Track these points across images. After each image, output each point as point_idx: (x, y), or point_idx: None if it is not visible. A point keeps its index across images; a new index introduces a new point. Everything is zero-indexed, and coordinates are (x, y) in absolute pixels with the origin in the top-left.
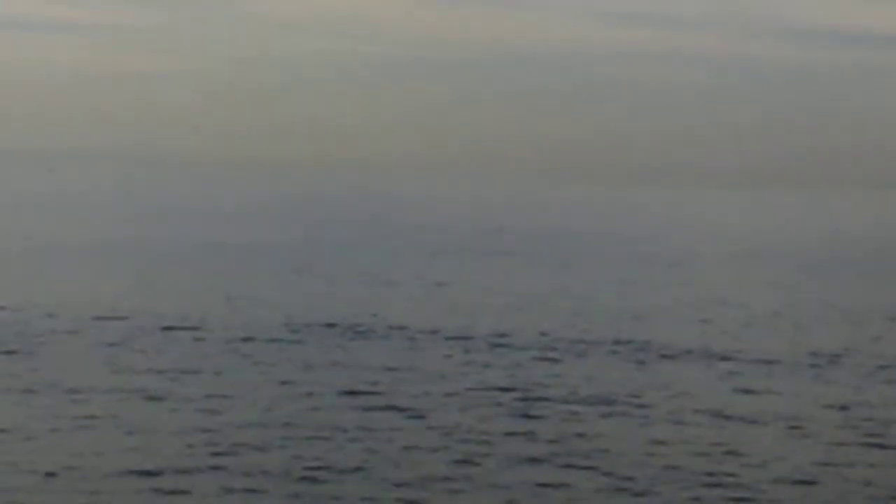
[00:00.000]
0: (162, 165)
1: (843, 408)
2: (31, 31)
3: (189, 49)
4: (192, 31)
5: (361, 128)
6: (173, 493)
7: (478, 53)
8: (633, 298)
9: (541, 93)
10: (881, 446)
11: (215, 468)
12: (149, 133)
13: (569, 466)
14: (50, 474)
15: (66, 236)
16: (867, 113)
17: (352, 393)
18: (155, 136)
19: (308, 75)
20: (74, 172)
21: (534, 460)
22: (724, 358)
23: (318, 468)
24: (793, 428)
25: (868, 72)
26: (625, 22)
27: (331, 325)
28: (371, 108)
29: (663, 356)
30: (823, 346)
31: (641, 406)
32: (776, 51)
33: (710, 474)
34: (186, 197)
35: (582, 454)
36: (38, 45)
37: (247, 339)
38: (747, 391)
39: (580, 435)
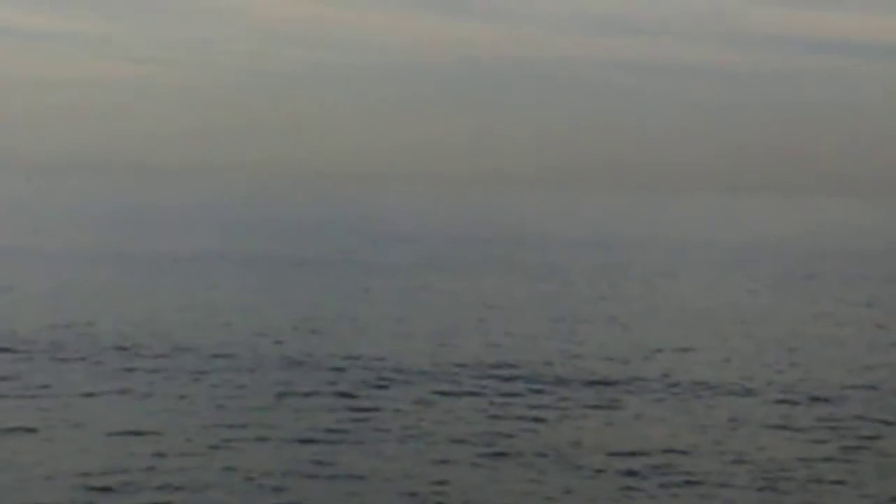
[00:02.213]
0: (129, 172)
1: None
2: None
3: (165, 57)
4: (168, 39)
5: (343, 134)
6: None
7: (463, 62)
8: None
9: (524, 99)
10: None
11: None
12: (122, 140)
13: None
14: None
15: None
16: (845, 118)
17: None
18: (126, 144)
19: (287, 83)
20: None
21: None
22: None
23: None
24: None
25: (850, 79)
26: (611, 31)
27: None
28: (353, 115)
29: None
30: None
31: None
32: (760, 60)
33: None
34: (133, 203)
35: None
36: None
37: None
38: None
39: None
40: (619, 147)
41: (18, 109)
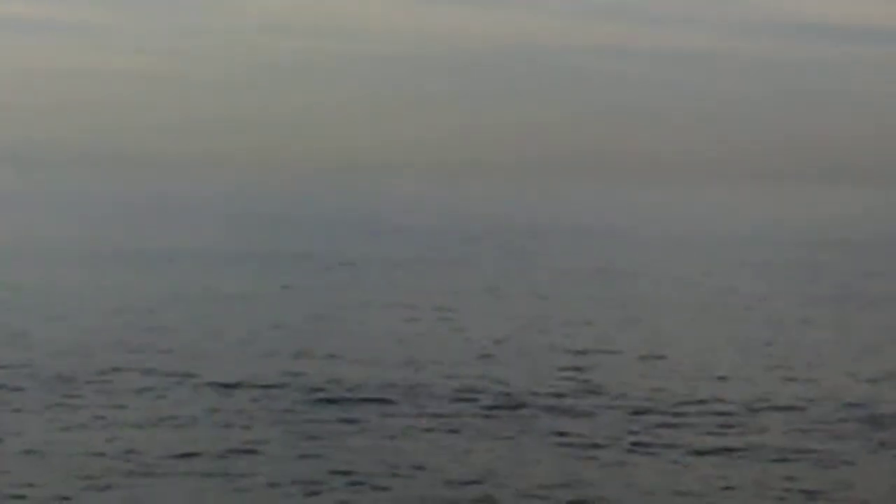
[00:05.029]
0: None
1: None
2: None
3: (165, 47)
4: (168, 29)
5: (340, 126)
6: None
7: (459, 50)
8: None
9: (522, 87)
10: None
11: None
12: (122, 132)
13: None
14: None
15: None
16: (845, 105)
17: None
18: (129, 136)
19: (288, 74)
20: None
21: None
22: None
23: None
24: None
25: (856, 64)
26: (612, 18)
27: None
28: (352, 105)
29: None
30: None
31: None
32: (764, 47)
33: None
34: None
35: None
36: None
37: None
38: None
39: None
40: (621, 136)
41: (17, 100)
